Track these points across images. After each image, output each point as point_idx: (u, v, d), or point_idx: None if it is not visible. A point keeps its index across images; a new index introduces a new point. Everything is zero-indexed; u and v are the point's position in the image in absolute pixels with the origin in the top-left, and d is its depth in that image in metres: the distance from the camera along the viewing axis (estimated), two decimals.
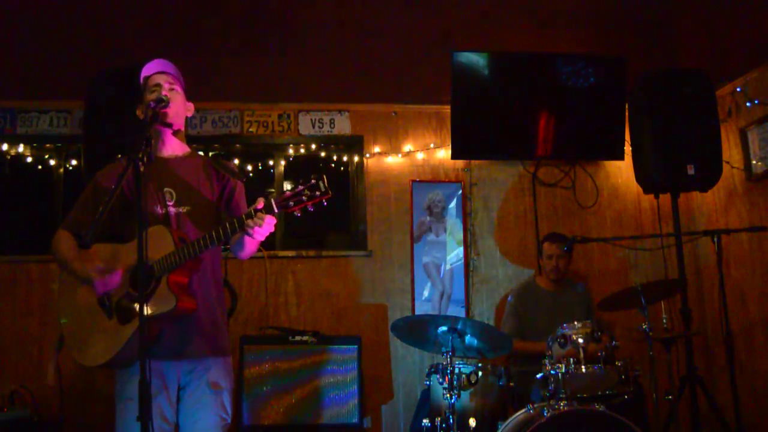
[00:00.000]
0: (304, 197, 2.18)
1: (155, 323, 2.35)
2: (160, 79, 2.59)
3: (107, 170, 2.66)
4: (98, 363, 2.44)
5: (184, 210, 2.53)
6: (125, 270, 2.44)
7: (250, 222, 2.25)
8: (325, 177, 2.21)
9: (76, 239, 2.56)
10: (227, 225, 2.29)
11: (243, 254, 2.55)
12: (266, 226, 2.26)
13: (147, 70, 2.62)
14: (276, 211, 2.23)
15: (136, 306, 2.37)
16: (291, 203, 2.20)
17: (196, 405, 2.49)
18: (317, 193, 2.18)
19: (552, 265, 4.40)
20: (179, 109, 2.61)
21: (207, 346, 2.51)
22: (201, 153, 2.84)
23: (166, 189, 2.54)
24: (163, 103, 2.47)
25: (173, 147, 2.64)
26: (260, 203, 2.25)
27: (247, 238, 2.41)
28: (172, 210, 2.52)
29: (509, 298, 4.56)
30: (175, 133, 2.64)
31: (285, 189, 2.25)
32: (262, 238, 2.34)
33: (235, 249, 2.55)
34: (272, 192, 2.30)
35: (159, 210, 2.50)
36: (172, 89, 2.59)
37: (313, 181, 2.19)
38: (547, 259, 4.44)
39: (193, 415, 2.49)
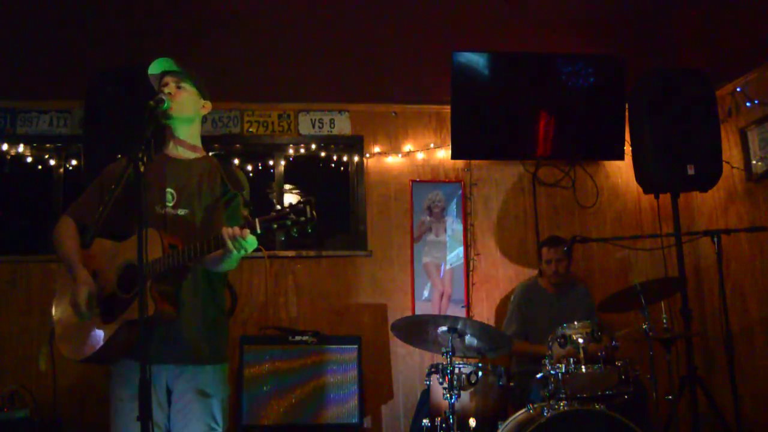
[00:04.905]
0: (288, 221, 2.13)
1: (134, 328, 2.33)
2: (167, 78, 2.59)
3: (117, 165, 2.65)
4: (80, 358, 2.45)
5: (182, 213, 2.51)
6: (114, 271, 2.45)
7: (230, 232, 2.20)
8: (313, 201, 2.15)
9: (78, 227, 2.59)
10: (212, 240, 2.26)
11: (217, 269, 2.49)
12: (247, 243, 2.21)
13: (153, 68, 2.61)
14: (258, 231, 2.18)
15: (119, 306, 2.39)
16: (274, 225, 2.15)
17: (183, 411, 2.46)
18: (302, 218, 2.13)
19: (552, 269, 4.40)
20: (184, 107, 2.58)
21: (194, 353, 2.47)
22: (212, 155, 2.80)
23: (168, 189, 2.53)
24: (162, 103, 2.47)
25: (184, 147, 2.63)
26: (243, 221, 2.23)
27: (225, 255, 2.33)
28: (169, 212, 2.51)
29: (513, 297, 4.56)
30: (184, 131, 2.62)
31: (272, 210, 2.18)
32: (241, 254, 2.27)
33: (211, 265, 2.46)
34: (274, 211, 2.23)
35: (158, 210, 2.49)
36: (179, 87, 2.58)
37: (300, 205, 2.14)
38: (547, 263, 4.44)
39: (180, 421, 2.45)
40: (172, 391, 2.47)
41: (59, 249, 2.55)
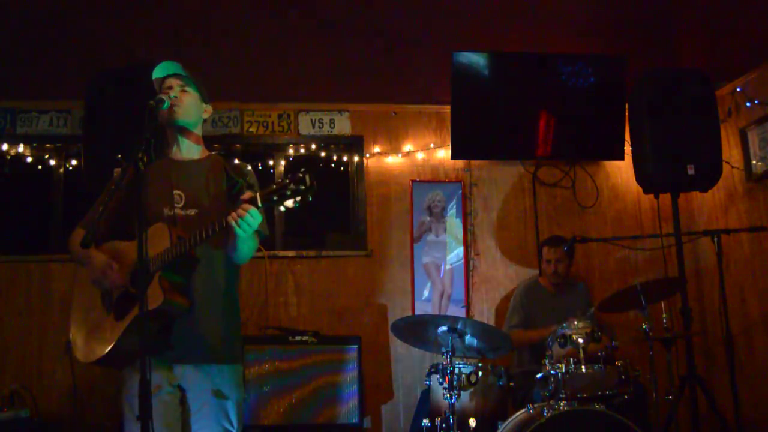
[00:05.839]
0: (288, 191, 2.15)
1: (147, 322, 2.31)
2: (172, 81, 2.61)
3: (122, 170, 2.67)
4: (93, 359, 2.44)
5: (192, 213, 2.54)
6: (127, 270, 2.46)
7: (233, 214, 2.23)
8: (312, 170, 2.16)
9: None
10: (216, 223, 2.28)
11: (238, 256, 2.52)
12: (251, 218, 2.24)
13: (158, 72, 2.63)
14: (260, 204, 2.20)
15: (132, 303, 2.39)
16: (274, 197, 2.17)
17: (199, 412, 2.47)
18: (301, 187, 2.14)
19: (551, 269, 4.40)
20: (189, 110, 2.60)
21: (213, 352, 2.48)
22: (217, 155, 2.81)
23: (175, 191, 2.55)
24: (162, 103, 2.48)
25: (189, 149, 2.66)
26: (245, 195, 2.25)
27: (238, 237, 2.37)
28: (179, 213, 2.53)
29: (515, 295, 4.58)
30: (188, 134, 2.64)
31: (273, 183, 2.20)
32: (249, 232, 2.29)
33: (230, 252, 2.51)
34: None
35: (167, 211, 2.52)
36: (183, 91, 2.59)
37: (299, 174, 2.16)
38: (547, 263, 4.44)
39: (196, 422, 2.47)
40: (188, 391, 2.48)
41: (77, 253, 2.56)
